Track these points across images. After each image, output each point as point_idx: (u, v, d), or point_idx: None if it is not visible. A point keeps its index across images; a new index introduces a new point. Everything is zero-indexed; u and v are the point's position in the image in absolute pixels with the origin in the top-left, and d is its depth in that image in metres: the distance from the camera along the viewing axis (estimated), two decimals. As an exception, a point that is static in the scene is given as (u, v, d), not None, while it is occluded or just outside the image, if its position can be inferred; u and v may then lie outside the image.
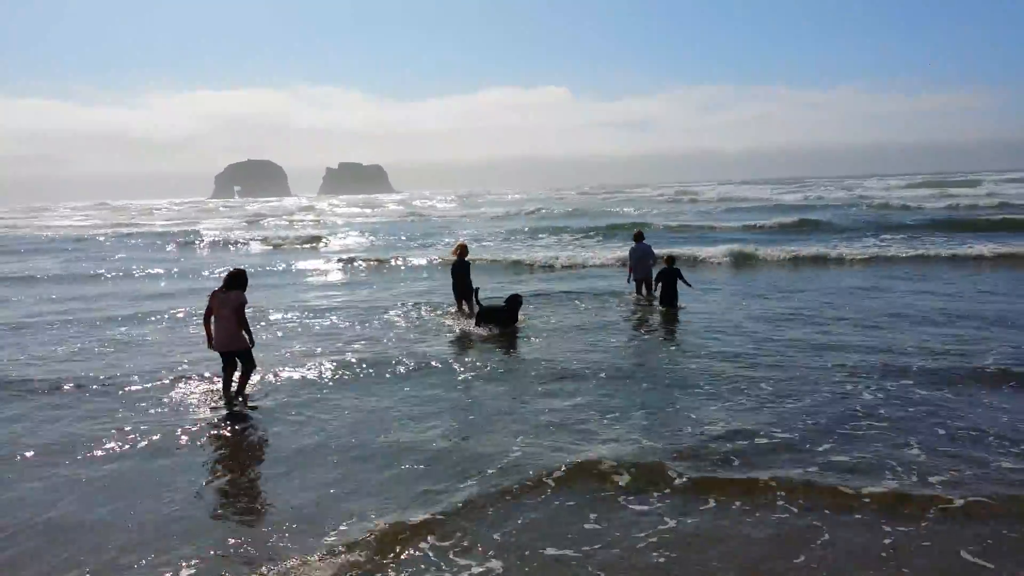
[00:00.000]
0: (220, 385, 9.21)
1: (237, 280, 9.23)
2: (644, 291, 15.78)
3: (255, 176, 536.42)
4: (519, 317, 12.94)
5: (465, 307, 14.31)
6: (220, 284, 9.31)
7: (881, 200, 46.39)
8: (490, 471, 6.19)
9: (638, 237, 16.10)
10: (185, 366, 10.54)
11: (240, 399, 8.95)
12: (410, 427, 7.50)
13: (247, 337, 9.15)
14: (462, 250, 14.58)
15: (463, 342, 11.85)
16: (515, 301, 13.00)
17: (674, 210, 49.26)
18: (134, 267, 25.83)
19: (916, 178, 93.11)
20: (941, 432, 6.86)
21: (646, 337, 11.90)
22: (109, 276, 23.35)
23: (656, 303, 14.75)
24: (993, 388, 8.21)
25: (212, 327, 9.14)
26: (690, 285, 15.02)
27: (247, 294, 9.29)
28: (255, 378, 9.44)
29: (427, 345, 11.51)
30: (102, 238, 42.62)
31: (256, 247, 34.69)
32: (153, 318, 14.65)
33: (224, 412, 8.44)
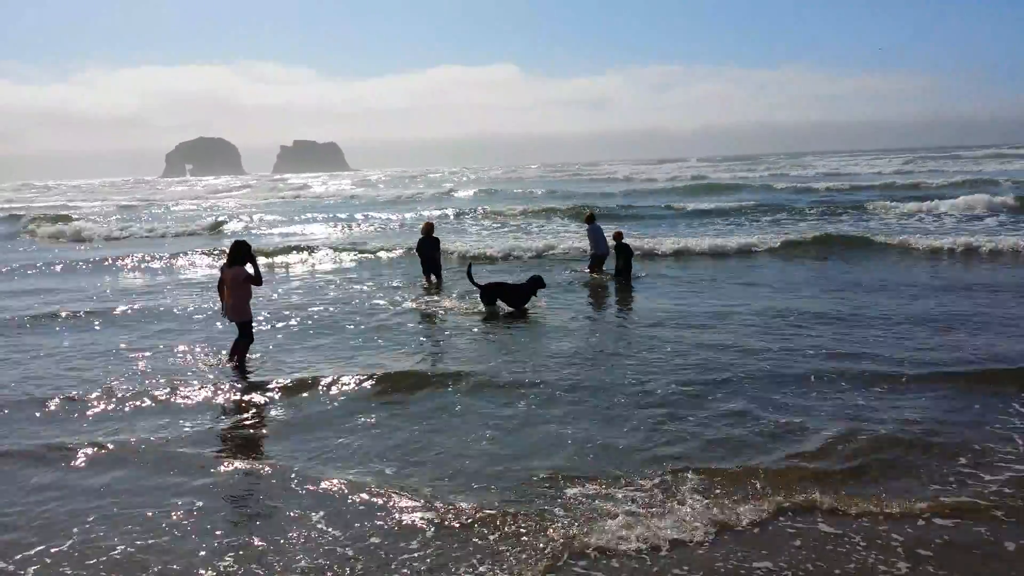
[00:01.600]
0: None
1: (236, 255, 9.37)
2: (601, 270, 16.01)
3: (207, 154, 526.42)
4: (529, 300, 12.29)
5: (433, 279, 15.06)
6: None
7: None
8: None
9: (591, 219, 16.50)
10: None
11: (237, 365, 9.23)
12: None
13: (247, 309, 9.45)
14: (429, 228, 15.45)
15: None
16: (537, 283, 12.40)
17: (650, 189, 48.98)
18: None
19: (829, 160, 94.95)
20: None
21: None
22: None
23: (609, 277, 15.36)
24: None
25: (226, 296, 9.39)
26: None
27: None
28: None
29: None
30: None
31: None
32: None
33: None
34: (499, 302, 12.25)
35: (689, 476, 5.45)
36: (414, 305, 12.78)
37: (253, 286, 9.43)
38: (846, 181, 43.04)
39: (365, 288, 14.72)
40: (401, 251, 19.68)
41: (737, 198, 33.55)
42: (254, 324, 9.75)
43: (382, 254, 19.84)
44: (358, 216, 32.27)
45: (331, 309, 12.47)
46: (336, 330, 10.91)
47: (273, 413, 7.41)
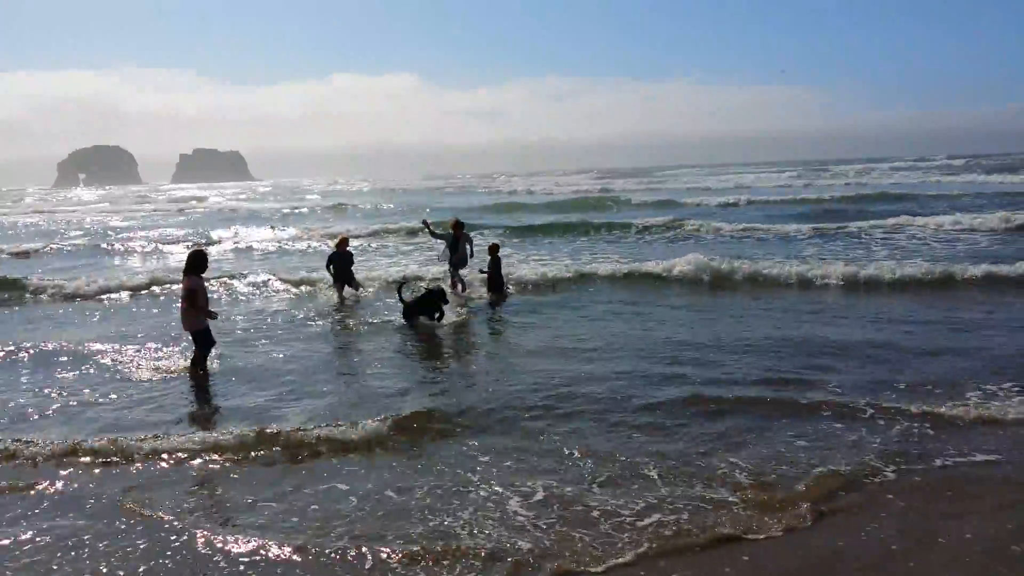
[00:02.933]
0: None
1: (189, 264, 9.80)
2: (460, 286, 15.72)
3: (101, 163, 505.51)
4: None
5: (349, 290, 15.75)
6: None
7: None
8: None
9: (456, 227, 15.88)
10: None
11: (200, 372, 9.83)
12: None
13: (201, 319, 9.77)
14: (344, 242, 16.38)
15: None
16: (439, 294, 13.05)
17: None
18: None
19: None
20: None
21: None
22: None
23: (473, 295, 15.47)
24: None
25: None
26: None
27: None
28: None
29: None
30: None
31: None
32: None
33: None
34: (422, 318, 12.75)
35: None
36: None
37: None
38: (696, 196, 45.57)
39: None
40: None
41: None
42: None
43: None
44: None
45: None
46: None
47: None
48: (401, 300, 13.09)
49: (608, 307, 14.04)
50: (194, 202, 71.27)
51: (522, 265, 18.76)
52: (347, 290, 15.82)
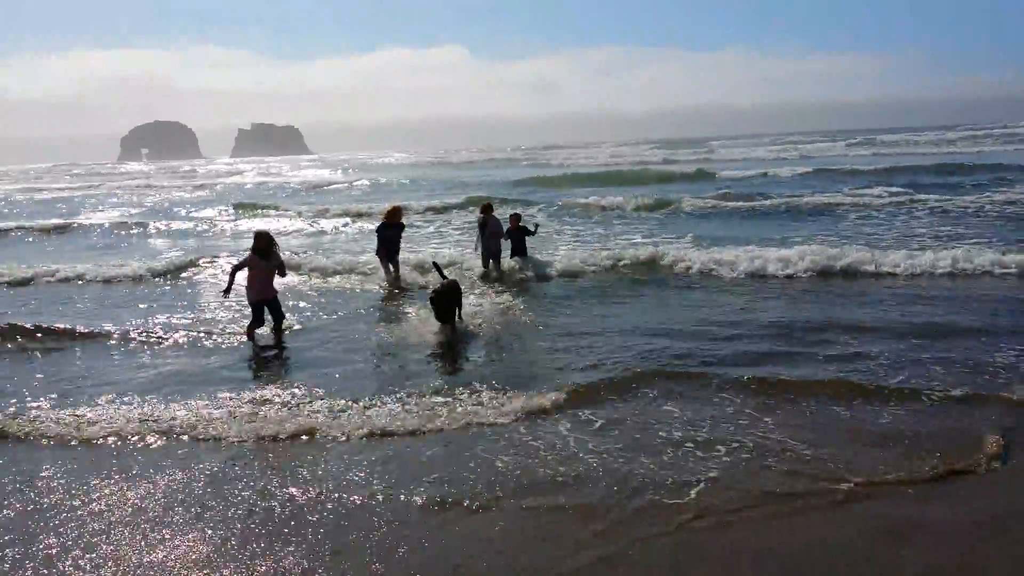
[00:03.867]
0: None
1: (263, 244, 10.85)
2: (492, 264, 15.26)
3: (162, 138, 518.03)
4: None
5: (392, 269, 14.72)
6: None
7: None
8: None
9: (487, 210, 15.30)
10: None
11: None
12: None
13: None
14: (395, 212, 15.08)
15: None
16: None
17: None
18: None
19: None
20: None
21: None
22: None
23: (502, 271, 15.07)
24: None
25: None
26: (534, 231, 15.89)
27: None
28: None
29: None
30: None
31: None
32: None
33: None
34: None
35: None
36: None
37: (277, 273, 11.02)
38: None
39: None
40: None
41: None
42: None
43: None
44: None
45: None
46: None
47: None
48: (442, 276, 11.72)
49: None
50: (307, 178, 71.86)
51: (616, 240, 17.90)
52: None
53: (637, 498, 5.75)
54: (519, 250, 15.69)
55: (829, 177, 35.81)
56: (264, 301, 11.01)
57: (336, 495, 5.99)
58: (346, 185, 48.94)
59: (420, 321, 11.40)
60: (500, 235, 15.35)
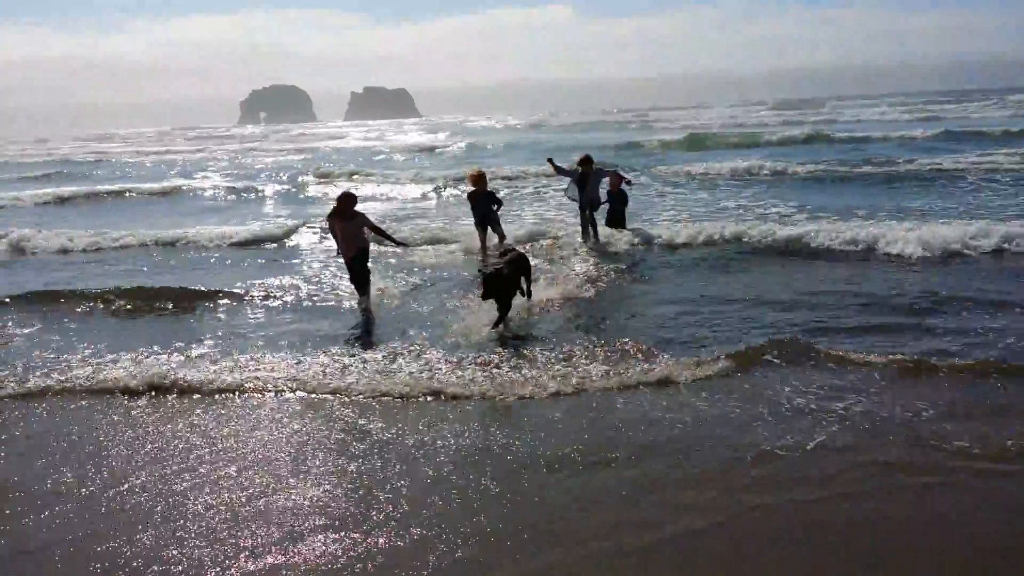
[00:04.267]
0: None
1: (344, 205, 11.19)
2: (592, 232, 14.52)
3: (279, 101, 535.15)
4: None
5: (493, 238, 14.14)
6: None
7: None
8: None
9: (586, 162, 14.41)
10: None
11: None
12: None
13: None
14: (478, 178, 14.08)
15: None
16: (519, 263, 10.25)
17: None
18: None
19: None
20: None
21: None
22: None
23: (598, 238, 14.36)
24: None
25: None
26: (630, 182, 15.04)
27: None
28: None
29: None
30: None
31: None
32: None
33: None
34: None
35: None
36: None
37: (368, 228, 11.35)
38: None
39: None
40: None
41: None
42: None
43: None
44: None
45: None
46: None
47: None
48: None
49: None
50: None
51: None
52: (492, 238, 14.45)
53: (758, 467, 5.78)
54: (617, 219, 15.01)
55: (960, 139, 33.44)
56: (354, 259, 11.35)
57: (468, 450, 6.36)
58: (446, 148, 49.34)
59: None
60: (597, 200, 14.77)
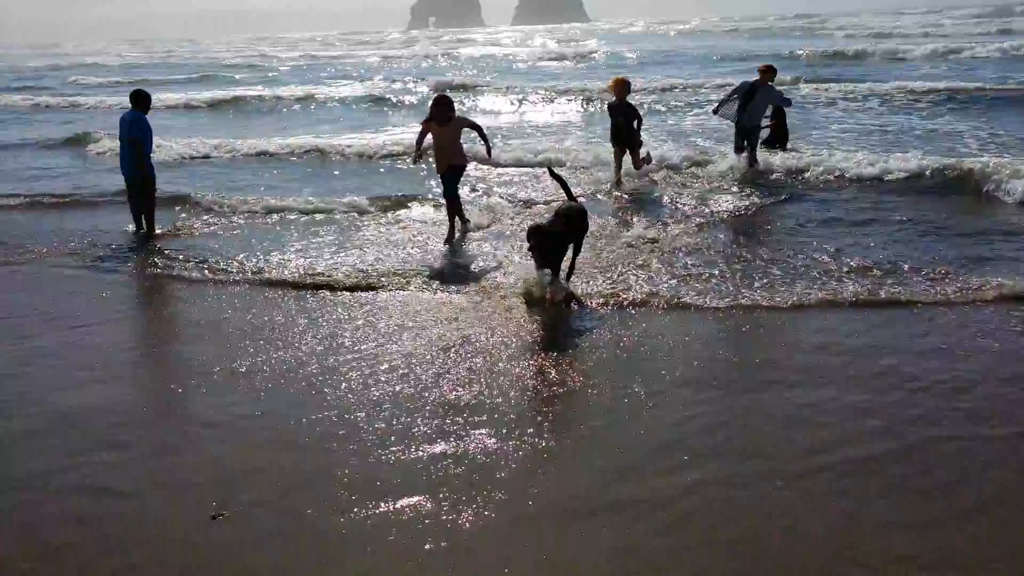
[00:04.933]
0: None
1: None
2: (749, 155, 12.75)
3: (448, 5, 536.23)
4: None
5: (626, 158, 12.71)
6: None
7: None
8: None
9: (767, 71, 12.48)
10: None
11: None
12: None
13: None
14: (620, 86, 12.57)
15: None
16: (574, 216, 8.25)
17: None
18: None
19: None
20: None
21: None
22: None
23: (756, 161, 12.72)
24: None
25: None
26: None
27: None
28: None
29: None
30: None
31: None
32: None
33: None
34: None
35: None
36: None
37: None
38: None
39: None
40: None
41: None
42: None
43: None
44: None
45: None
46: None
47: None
48: (566, 189, 8.80)
49: None
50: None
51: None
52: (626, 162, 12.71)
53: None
54: (778, 135, 13.44)
55: None
56: (447, 172, 10.30)
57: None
58: (596, 55, 46.90)
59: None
60: (759, 124, 12.72)
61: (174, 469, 5.21)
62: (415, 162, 11.10)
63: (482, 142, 10.60)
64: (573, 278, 8.25)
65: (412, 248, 10.14)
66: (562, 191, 8.92)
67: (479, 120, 11.33)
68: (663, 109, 21.83)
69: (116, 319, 8.33)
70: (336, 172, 16.00)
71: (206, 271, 9.51)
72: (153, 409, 6.33)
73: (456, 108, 10.51)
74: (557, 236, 7.72)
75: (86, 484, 5.01)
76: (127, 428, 5.76)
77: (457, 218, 10.49)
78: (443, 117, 10.12)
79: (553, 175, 9.06)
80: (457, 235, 10.39)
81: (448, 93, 12.95)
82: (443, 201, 10.68)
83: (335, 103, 28.25)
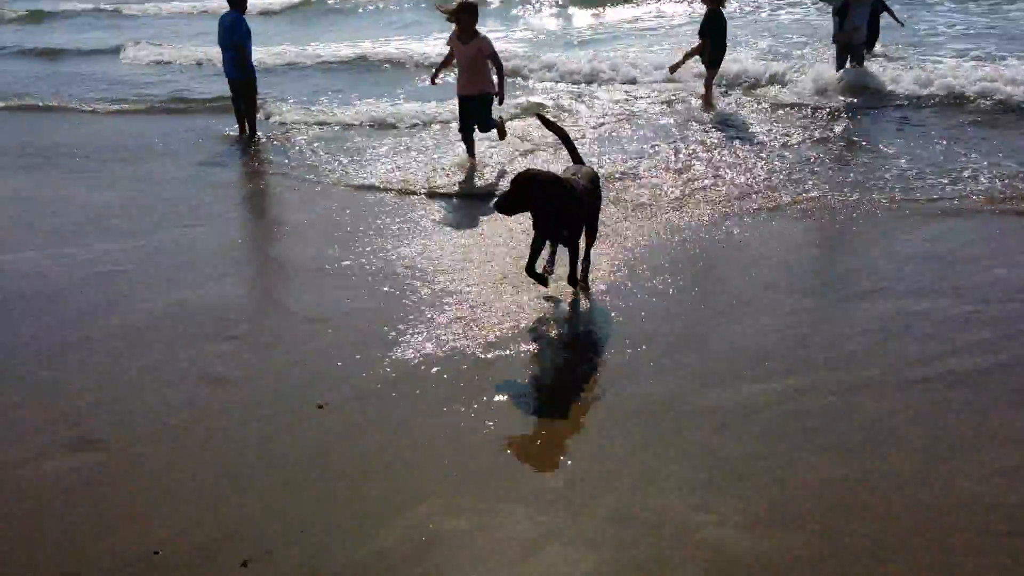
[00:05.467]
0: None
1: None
2: (850, 61, 11.43)
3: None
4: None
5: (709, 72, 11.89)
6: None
7: None
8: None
9: None
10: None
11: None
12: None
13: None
14: None
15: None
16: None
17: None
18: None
19: None
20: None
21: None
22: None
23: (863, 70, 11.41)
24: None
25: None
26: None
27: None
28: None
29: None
30: None
31: None
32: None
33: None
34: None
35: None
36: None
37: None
38: None
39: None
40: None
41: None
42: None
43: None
44: None
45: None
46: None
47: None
48: (569, 146, 6.39)
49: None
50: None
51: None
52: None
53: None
54: (869, 35, 12.09)
55: None
56: (466, 98, 9.09)
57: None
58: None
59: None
60: (863, 33, 11.46)
61: (280, 361, 5.51)
62: (432, 82, 9.70)
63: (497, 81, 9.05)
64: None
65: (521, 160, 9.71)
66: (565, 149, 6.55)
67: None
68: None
69: (223, 219, 8.70)
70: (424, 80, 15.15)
71: (308, 175, 9.85)
72: (259, 305, 6.68)
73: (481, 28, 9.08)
74: (567, 194, 5.51)
75: (202, 373, 5.34)
76: (236, 324, 6.08)
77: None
78: (467, 31, 8.79)
79: (548, 124, 6.71)
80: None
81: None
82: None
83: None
